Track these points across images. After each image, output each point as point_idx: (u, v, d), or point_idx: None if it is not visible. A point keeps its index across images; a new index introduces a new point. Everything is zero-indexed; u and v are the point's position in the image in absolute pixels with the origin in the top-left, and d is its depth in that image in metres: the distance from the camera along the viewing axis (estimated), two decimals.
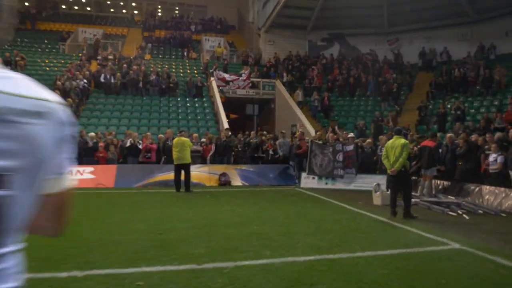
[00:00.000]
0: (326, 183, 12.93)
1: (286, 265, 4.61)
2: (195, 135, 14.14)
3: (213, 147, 14.14)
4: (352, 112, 21.39)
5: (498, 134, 11.54)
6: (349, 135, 13.75)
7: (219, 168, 13.53)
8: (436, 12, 24.46)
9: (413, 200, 9.68)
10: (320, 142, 13.87)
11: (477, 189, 9.64)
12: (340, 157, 12.83)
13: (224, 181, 13.04)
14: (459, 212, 8.41)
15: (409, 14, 25.54)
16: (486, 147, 10.20)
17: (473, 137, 11.26)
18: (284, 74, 23.24)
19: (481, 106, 18.31)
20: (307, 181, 13.10)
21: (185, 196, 10.74)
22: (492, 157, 9.68)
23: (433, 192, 10.89)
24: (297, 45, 27.57)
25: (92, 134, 13.61)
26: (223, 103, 25.02)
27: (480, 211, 8.57)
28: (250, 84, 22.67)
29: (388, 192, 9.83)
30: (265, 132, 14.84)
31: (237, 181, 13.38)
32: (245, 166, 13.86)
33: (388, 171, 7.98)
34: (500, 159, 9.53)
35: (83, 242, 5.35)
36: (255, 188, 12.44)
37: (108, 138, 13.81)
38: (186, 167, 11.35)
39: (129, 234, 6.07)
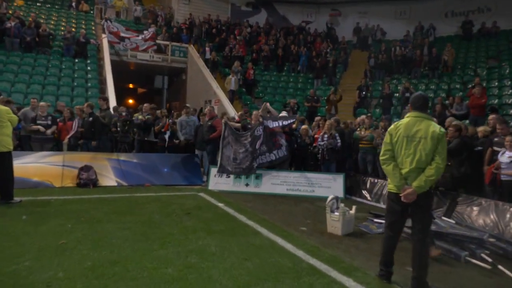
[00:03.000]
0: (247, 185, 8.50)
1: None
2: (43, 104, 8.69)
3: (74, 124, 8.87)
4: (280, 89, 17.24)
5: None
6: (282, 114, 9.41)
7: (81, 158, 8.37)
8: None
9: None
10: (239, 125, 9.36)
11: (486, 205, 5.86)
12: (259, 144, 8.51)
13: (85, 180, 7.93)
14: (488, 259, 4.49)
15: None
16: (496, 139, 6.51)
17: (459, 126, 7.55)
18: (207, 50, 18.08)
19: (427, 90, 15.30)
20: (219, 181, 8.55)
21: None
22: (507, 157, 5.98)
23: None
24: (217, 7, 22.79)
25: None
26: (128, 73, 19.41)
27: None
28: (155, 47, 17.31)
29: (367, 224, 5.79)
30: (153, 106, 9.86)
31: (109, 179, 8.36)
32: (125, 156, 8.85)
33: (393, 189, 3.64)
34: None
35: None
36: (133, 194, 7.53)
37: None
38: (2, 159, 6.11)
39: None
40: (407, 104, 13.00)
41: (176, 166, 9.14)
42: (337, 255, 4.41)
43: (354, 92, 16.48)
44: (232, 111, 13.56)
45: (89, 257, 3.96)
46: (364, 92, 15.17)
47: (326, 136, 8.71)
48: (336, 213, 5.35)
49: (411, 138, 3.52)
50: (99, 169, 8.30)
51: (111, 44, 16.13)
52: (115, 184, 8.32)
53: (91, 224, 5.18)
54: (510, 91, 12.82)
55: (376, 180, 8.09)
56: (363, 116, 9.88)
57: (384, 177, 8.28)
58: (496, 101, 12.41)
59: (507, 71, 14.38)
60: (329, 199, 5.52)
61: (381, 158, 3.67)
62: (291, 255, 4.31)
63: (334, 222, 5.35)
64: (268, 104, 10.07)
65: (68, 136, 8.77)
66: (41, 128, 8.45)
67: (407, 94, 13.71)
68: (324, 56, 18.01)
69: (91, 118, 8.81)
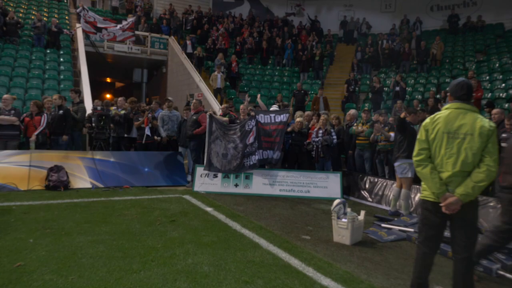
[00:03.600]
0: (236, 185, 7.74)
1: None
2: (7, 96, 7.65)
3: (43, 119, 7.90)
4: (266, 83, 16.48)
5: None
6: (272, 108, 8.67)
7: (50, 157, 7.43)
8: None
9: (396, 227, 5.07)
10: (226, 119, 8.59)
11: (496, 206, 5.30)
12: (251, 139, 7.77)
13: (55, 182, 7.01)
14: None
15: None
16: (504, 135, 5.96)
17: None
18: (188, 43, 17.03)
19: (416, 83, 14.87)
20: (205, 182, 7.76)
21: None
22: None
23: (412, 209, 6.44)
24: None
25: None
26: (105, 66, 18.23)
27: None
28: (134, 38, 16.23)
29: (374, 229, 5.17)
30: (133, 99, 8.95)
31: (82, 181, 7.45)
32: (101, 155, 7.94)
33: (431, 197, 2.93)
34: None
35: None
36: (110, 198, 6.67)
37: None
38: None
39: None
40: (398, 99, 12.56)
41: (157, 165, 8.29)
42: (352, 272, 3.73)
43: (341, 87, 15.94)
44: (217, 106, 12.76)
45: (52, 284, 3.14)
46: (353, 86, 14.59)
47: (321, 132, 8.04)
48: (344, 220, 4.67)
49: (453, 135, 2.84)
50: (71, 170, 7.39)
51: (86, 34, 15.00)
52: (90, 186, 7.41)
53: (58, 237, 4.33)
54: (503, 85, 12.47)
55: (376, 179, 7.47)
56: (353, 111, 9.26)
57: (384, 176, 7.69)
58: (490, 95, 12.03)
59: (497, 65, 14.07)
60: (335, 203, 4.83)
61: (414, 159, 2.99)
62: (300, 274, 3.60)
63: (342, 230, 4.67)
64: (259, 96, 9.28)
65: (35, 133, 7.79)
66: (9, 118, 7.41)
67: (397, 88, 13.25)
68: (310, 49, 17.34)
69: (61, 112, 7.86)
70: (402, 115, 6.13)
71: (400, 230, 5.21)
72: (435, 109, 10.79)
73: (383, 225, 5.55)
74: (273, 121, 7.86)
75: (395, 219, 5.77)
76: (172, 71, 17.28)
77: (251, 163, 7.77)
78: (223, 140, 7.89)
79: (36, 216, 5.20)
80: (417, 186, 6.44)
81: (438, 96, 12.45)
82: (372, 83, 14.92)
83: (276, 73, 17.24)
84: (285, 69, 17.46)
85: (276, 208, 6.47)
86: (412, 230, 5.08)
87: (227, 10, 22.00)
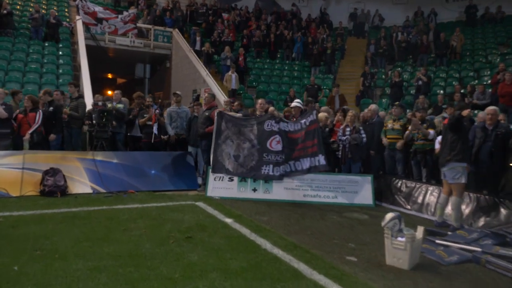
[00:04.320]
0: (255, 190, 6.84)
1: None
2: None
3: (38, 116, 7.00)
4: (275, 78, 15.56)
5: None
6: (294, 103, 7.69)
7: (46, 159, 6.55)
8: None
9: (454, 244, 4.20)
10: (240, 115, 7.70)
11: None
12: (274, 145, 6.86)
13: (51, 187, 6.12)
14: None
15: None
16: None
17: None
18: (197, 39, 15.98)
19: (436, 78, 13.94)
20: (219, 186, 6.86)
21: None
22: None
23: (462, 218, 5.55)
24: None
25: None
26: (106, 61, 17.26)
27: None
28: (136, 31, 15.30)
29: (428, 247, 4.33)
30: (139, 94, 8.01)
31: (82, 185, 6.56)
32: (102, 155, 7.04)
33: None
34: None
35: None
36: (113, 206, 5.77)
37: None
38: None
39: None
40: (420, 93, 11.65)
41: (165, 167, 7.38)
42: None
43: (354, 81, 15.11)
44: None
45: None
46: (369, 81, 13.69)
47: (348, 129, 7.14)
48: (401, 239, 3.79)
49: None
50: (69, 173, 6.49)
51: (86, 27, 14.09)
52: (90, 191, 6.53)
53: (51, 262, 3.45)
54: None
55: (414, 184, 6.56)
56: (374, 106, 8.40)
57: (420, 179, 6.80)
58: None
59: None
60: (388, 218, 3.93)
61: None
62: None
63: (399, 252, 3.78)
64: (272, 109, 8.07)
65: (29, 131, 6.90)
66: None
67: (420, 82, 12.34)
68: (321, 42, 16.40)
69: (51, 108, 6.99)
70: (465, 112, 5.25)
71: (461, 249, 4.32)
72: (464, 104, 9.92)
73: (437, 241, 4.66)
74: (303, 126, 6.89)
75: (449, 233, 4.89)
76: (177, 66, 16.36)
77: (270, 173, 6.79)
78: (235, 140, 6.98)
79: (26, 231, 4.32)
80: (470, 194, 5.55)
81: (463, 91, 11.53)
82: (389, 77, 14.07)
83: (286, 67, 16.30)
84: (294, 63, 16.53)
85: (305, 219, 5.58)
86: (478, 249, 4.19)
87: (233, 3, 21.05)
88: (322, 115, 7.58)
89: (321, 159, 6.65)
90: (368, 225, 5.41)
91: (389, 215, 3.98)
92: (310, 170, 6.72)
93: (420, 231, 4.03)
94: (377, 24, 19.80)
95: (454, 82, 12.95)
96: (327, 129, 7.47)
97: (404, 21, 18.21)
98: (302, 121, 6.88)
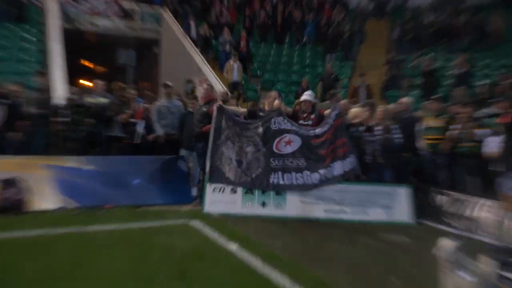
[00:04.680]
0: (264, 204, 6.23)
1: None
2: None
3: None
4: (283, 65, 14.98)
5: None
6: (304, 96, 6.97)
7: (5, 165, 5.93)
8: None
9: None
10: (244, 110, 7.08)
11: None
12: (283, 146, 6.25)
13: (12, 200, 5.51)
14: None
15: None
16: None
17: None
18: (192, 23, 15.24)
19: (477, 66, 13.30)
20: (219, 199, 6.24)
21: None
22: None
23: None
24: None
25: None
26: (83, 47, 16.62)
27: None
28: (120, 12, 14.76)
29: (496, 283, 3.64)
30: (120, 84, 7.36)
31: (47, 199, 5.94)
32: (74, 161, 6.42)
33: None
34: None
35: None
36: (86, 227, 5.13)
37: None
38: None
39: None
40: (461, 84, 11.02)
41: (152, 175, 6.78)
42: None
43: (377, 70, 14.47)
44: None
45: None
46: (395, 70, 13.10)
47: (379, 128, 6.52)
48: (469, 279, 3.17)
49: None
50: (31, 182, 5.87)
51: (61, 6, 13.52)
52: (58, 205, 5.91)
53: None
54: None
55: (464, 197, 5.92)
56: (405, 99, 7.85)
57: (465, 190, 6.19)
58: None
59: None
60: (449, 248, 3.32)
61: None
62: None
63: None
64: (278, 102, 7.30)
65: None
66: None
67: (460, 71, 11.71)
68: (337, 25, 15.79)
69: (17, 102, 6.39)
70: None
71: None
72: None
73: (502, 273, 4.03)
74: (330, 126, 6.28)
75: None
76: (167, 51, 15.76)
77: (280, 182, 6.19)
78: (236, 142, 6.36)
79: None
80: None
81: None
82: (421, 64, 13.46)
83: (296, 53, 15.69)
84: (305, 48, 15.92)
85: (330, 243, 4.97)
86: None
87: None
88: (357, 110, 6.96)
89: (353, 161, 6.08)
90: (410, 251, 4.81)
91: (450, 245, 3.36)
92: (344, 176, 6.13)
93: (487, 265, 3.41)
94: (400, 3, 19.23)
95: (500, 70, 12.29)
96: (361, 128, 6.76)
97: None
98: (329, 121, 6.28)
